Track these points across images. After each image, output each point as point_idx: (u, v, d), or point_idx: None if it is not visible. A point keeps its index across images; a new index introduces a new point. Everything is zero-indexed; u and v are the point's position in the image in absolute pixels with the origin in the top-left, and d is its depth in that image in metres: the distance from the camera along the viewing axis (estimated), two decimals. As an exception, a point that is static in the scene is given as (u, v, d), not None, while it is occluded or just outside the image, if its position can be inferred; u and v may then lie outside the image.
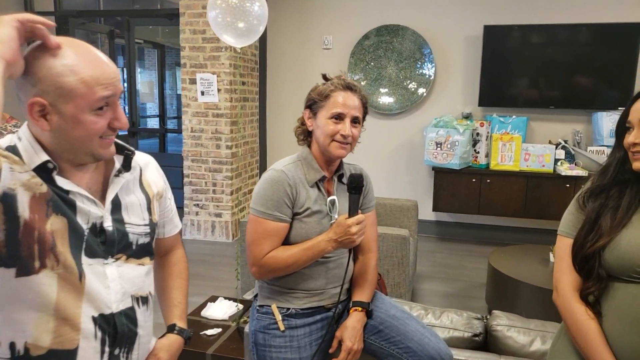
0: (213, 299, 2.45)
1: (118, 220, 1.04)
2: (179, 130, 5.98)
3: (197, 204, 4.80)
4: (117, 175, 1.06)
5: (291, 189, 1.46)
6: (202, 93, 4.64)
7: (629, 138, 1.18)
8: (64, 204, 0.95)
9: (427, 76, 4.78)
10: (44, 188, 0.92)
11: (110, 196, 1.04)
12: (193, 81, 4.65)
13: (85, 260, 0.98)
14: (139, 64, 9.86)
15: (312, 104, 1.52)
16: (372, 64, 4.89)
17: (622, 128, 1.22)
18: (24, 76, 0.90)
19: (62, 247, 0.94)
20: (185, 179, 4.82)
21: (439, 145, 4.46)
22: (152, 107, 10.30)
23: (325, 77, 1.57)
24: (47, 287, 0.93)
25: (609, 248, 1.18)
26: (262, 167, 5.43)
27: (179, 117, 10.00)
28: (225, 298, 2.44)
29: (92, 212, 0.99)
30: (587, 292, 1.22)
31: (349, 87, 1.49)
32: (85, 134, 0.94)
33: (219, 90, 4.59)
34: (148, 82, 10.17)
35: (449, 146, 4.42)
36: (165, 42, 9.12)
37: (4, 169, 0.86)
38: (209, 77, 4.58)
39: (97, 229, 1.00)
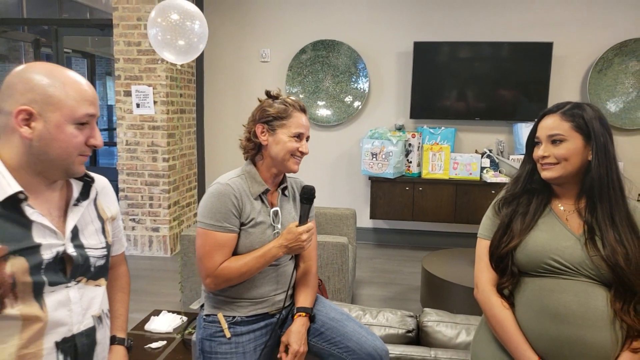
0: (156, 312, 2.44)
1: (79, 245, 1.09)
2: (111, 143, 5.81)
3: (134, 219, 4.70)
4: (75, 204, 1.11)
5: (237, 201, 1.53)
6: (138, 105, 4.57)
7: (539, 152, 1.36)
8: (23, 240, 0.99)
9: (361, 90, 4.98)
10: None
11: (70, 225, 1.08)
12: (128, 93, 4.57)
13: (48, 289, 1.02)
14: (68, 74, 9.46)
15: (271, 121, 1.58)
16: (309, 77, 5.03)
17: (532, 143, 1.40)
18: (13, 86, 0.98)
19: (24, 286, 0.98)
20: (121, 193, 4.71)
21: (374, 156, 4.66)
22: (82, 119, 9.86)
23: (269, 95, 1.64)
24: (10, 323, 0.97)
25: (520, 248, 1.35)
26: (201, 180, 5.40)
27: (110, 129, 9.65)
28: (169, 311, 2.44)
29: (53, 243, 1.03)
30: (502, 287, 1.39)
31: (303, 110, 1.62)
32: (65, 146, 1.01)
33: (155, 102, 4.54)
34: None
35: (383, 156, 4.62)
36: (95, 52, 8.83)
37: None
38: (145, 89, 4.52)
39: (59, 257, 1.04)
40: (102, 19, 5.16)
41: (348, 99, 5.02)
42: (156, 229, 4.70)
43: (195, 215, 5.34)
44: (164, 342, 2.23)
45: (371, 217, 4.81)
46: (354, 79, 4.98)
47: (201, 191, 5.43)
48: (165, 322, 2.34)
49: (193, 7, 2.18)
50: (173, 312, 2.46)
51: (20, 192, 0.99)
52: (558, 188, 1.39)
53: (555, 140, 1.32)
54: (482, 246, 1.44)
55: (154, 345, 2.21)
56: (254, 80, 5.17)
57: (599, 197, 1.30)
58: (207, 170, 5.44)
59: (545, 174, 1.35)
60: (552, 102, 4.54)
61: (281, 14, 5.04)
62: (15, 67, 1.01)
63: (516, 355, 1.32)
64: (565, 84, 4.73)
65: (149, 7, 4.42)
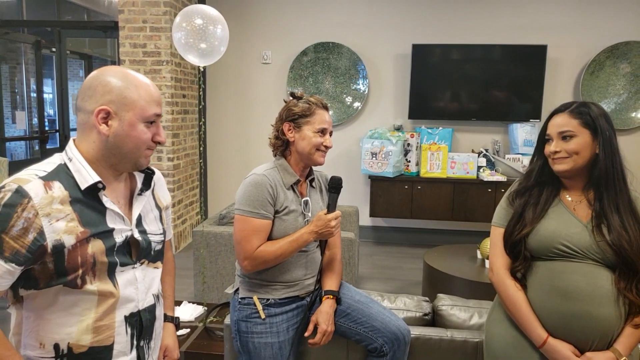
0: (177, 303, 2.55)
1: (142, 231, 1.21)
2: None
3: (139, 217, 4.76)
4: (139, 194, 1.23)
5: (273, 190, 1.65)
6: (143, 106, 4.65)
7: (550, 148, 1.49)
8: (100, 225, 1.11)
9: (361, 91, 5.11)
10: (79, 228, 1.07)
11: (135, 213, 1.20)
12: (134, 94, 4.64)
13: (119, 269, 1.14)
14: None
15: (296, 119, 1.72)
16: (310, 79, 5.15)
17: (542, 140, 1.53)
18: (93, 88, 1.09)
19: (101, 265, 1.10)
20: (126, 192, 4.77)
21: (374, 155, 4.79)
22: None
23: (294, 96, 1.79)
24: (89, 297, 1.10)
25: (532, 235, 1.48)
26: (203, 179, 5.49)
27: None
28: (189, 302, 2.55)
29: (123, 228, 1.16)
30: (515, 270, 1.52)
31: (325, 107, 1.76)
32: (136, 141, 1.13)
33: (160, 103, 4.62)
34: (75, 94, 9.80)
35: (383, 156, 4.76)
36: (92, 53, 8.88)
37: (44, 225, 1.02)
38: (150, 90, 4.60)
39: (127, 241, 1.17)
40: (105, 21, 5.24)
41: (348, 99, 5.15)
42: (160, 228, 4.78)
43: (197, 214, 5.44)
44: (188, 330, 2.34)
45: (371, 215, 4.94)
46: (353, 81, 5.11)
47: (204, 190, 5.52)
48: (187, 312, 2.45)
49: (215, 12, 2.30)
50: (193, 302, 2.57)
51: (99, 181, 1.11)
52: (567, 180, 1.52)
53: (565, 136, 1.45)
54: (497, 233, 1.57)
55: (179, 332, 2.31)
56: (255, 82, 5.28)
57: (605, 186, 1.44)
58: (209, 170, 5.53)
59: (558, 167, 1.48)
60: (546, 103, 4.75)
61: (282, 17, 5.16)
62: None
63: (528, 331, 1.45)
64: (558, 86, 4.90)
65: (155, 10, 4.52)
